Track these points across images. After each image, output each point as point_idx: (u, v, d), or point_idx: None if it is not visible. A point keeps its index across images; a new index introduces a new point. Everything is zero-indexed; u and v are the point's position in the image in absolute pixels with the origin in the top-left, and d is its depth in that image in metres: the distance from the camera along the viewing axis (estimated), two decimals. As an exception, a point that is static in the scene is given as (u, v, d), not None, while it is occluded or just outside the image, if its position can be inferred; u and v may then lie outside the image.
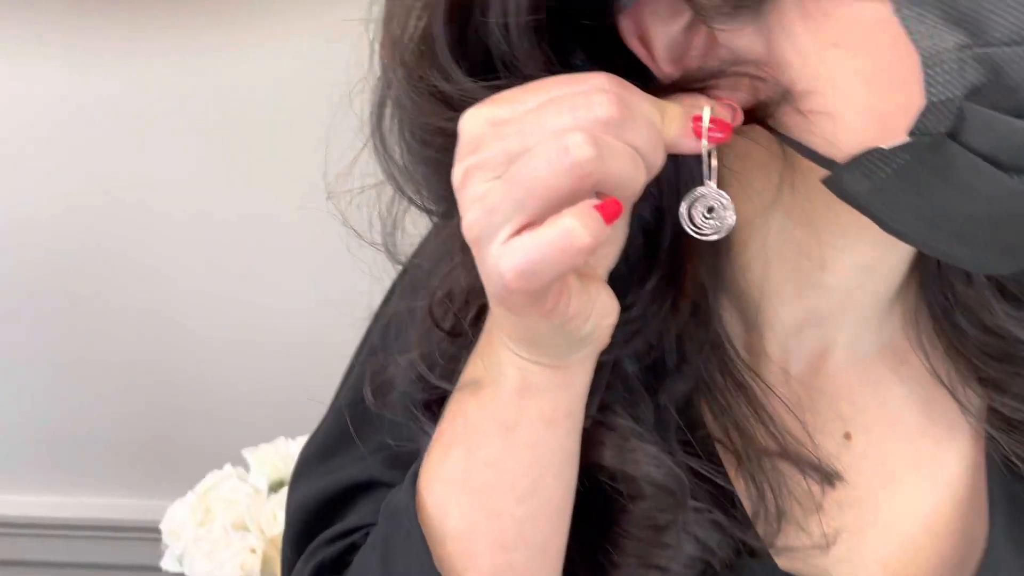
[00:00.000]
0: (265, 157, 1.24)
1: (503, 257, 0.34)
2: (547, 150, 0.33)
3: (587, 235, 0.33)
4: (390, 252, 0.44)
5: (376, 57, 0.40)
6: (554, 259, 0.33)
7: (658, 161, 0.36)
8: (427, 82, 0.38)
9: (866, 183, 0.37)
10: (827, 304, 0.46)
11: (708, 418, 0.45)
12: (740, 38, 0.37)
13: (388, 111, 0.41)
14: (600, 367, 0.43)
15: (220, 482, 0.92)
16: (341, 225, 0.40)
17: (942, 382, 0.48)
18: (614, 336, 0.40)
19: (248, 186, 1.28)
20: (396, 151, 0.41)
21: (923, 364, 0.48)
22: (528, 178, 0.33)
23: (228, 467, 0.94)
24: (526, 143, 0.34)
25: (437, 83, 0.38)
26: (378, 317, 0.53)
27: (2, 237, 1.30)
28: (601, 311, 0.38)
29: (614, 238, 0.40)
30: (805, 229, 0.43)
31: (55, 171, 1.27)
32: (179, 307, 1.32)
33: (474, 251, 0.35)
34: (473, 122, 0.36)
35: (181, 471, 1.01)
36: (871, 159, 0.36)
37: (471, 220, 0.35)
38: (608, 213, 0.34)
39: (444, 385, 0.43)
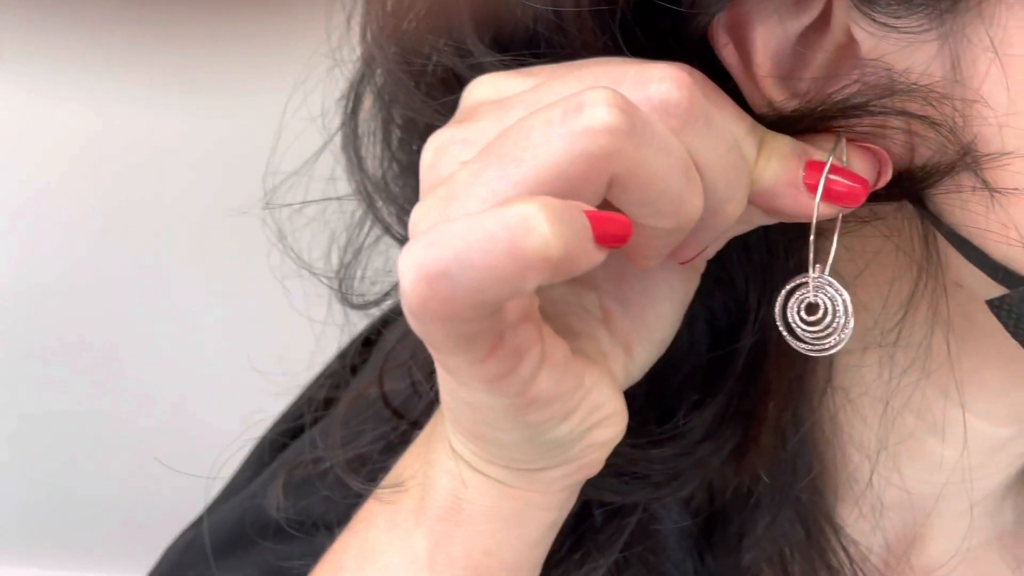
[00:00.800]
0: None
1: (410, 249, 0.21)
2: (550, 111, 0.22)
3: (551, 236, 0.20)
4: (343, 294, 0.32)
5: (353, 32, 0.29)
6: (482, 261, 0.20)
7: (732, 205, 0.24)
8: (433, 62, 0.27)
9: None
10: (929, 482, 0.34)
11: None
12: (906, 51, 0.24)
13: (367, 105, 0.30)
14: (617, 513, 0.31)
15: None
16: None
17: None
18: (649, 474, 0.30)
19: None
20: (372, 158, 0.30)
21: None
22: (511, 151, 0.22)
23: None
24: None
25: (448, 62, 0.27)
26: (315, 386, 0.41)
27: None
28: (594, 413, 0.25)
29: (652, 323, 0.27)
30: (930, 377, 0.31)
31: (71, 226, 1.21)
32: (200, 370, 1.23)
33: None
34: (479, 89, 0.25)
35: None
36: None
37: (420, 212, 0.23)
38: (604, 227, 0.21)
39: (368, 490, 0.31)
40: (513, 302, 0.22)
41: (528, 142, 0.21)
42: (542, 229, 0.20)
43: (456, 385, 0.24)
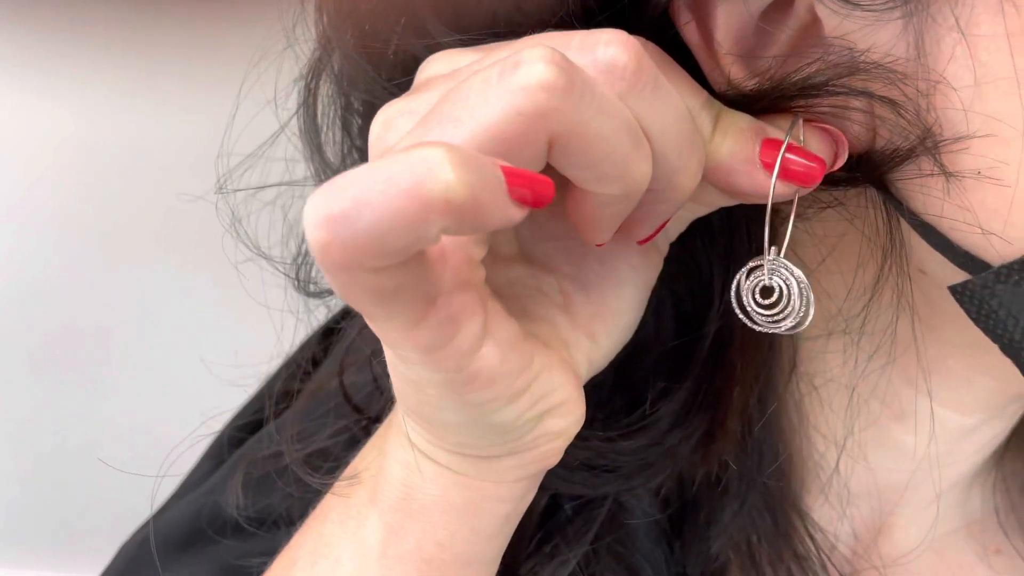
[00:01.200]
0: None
1: (312, 196, 0.20)
2: (488, 71, 0.21)
3: (454, 180, 0.19)
4: (299, 281, 0.31)
5: (308, 13, 0.28)
6: (383, 203, 0.19)
7: (685, 176, 0.24)
8: (392, 45, 0.27)
9: None
10: (897, 470, 0.34)
11: None
12: (870, 29, 0.24)
13: (325, 90, 0.29)
14: (587, 505, 0.31)
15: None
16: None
17: None
18: (619, 466, 0.29)
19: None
20: (331, 144, 0.29)
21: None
22: (450, 112, 0.21)
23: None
24: None
25: (407, 44, 0.26)
26: (275, 379, 0.40)
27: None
28: (544, 399, 0.25)
29: (615, 307, 0.27)
30: (895, 365, 0.31)
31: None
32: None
33: None
34: (433, 66, 0.24)
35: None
36: None
37: None
38: (521, 183, 0.20)
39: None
40: (450, 266, 0.22)
41: (467, 102, 0.21)
42: (445, 172, 0.19)
43: (397, 359, 0.23)
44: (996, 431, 0.34)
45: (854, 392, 0.32)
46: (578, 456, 0.30)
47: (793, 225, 0.26)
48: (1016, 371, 0.26)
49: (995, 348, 0.26)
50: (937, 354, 0.31)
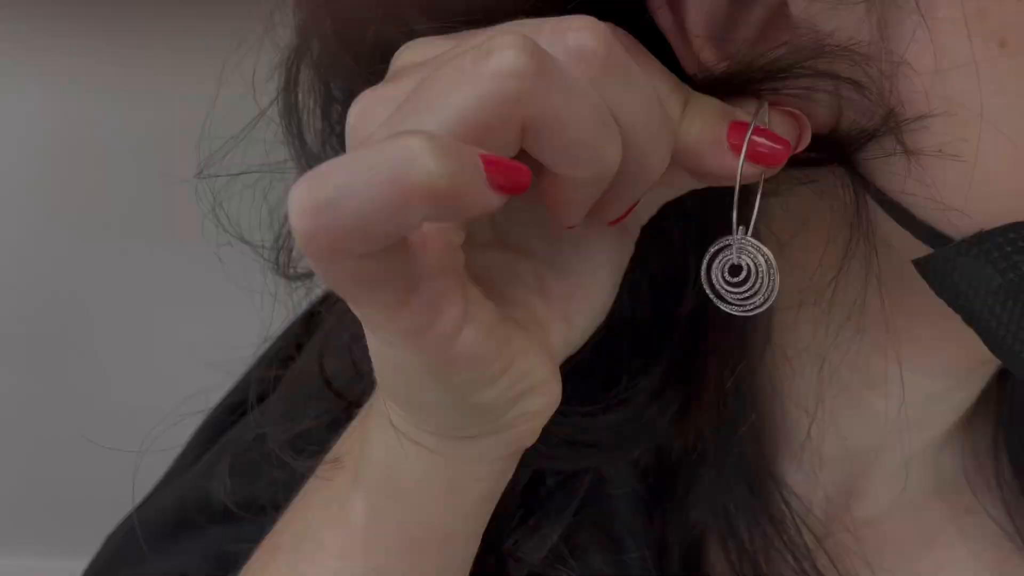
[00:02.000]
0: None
1: (296, 185, 0.20)
2: (460, 59, 0.21)
3: (434, 167, 0.19)
4: (279, 265, 0.31)
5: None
6: (365, 191, 0.19)
7: (654, 159, 0.24)
8: (370, 34, 0.27)
9: (992, 279, 0.25)
10: (868, 435, 0.35)
11: (716, 562, 0.35)
12: (835, 12, 0.24)
13: (304, 77, 0.29)
14: (568, 479, 0.31)
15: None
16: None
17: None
18: (598, 440, 0.29)
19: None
20: (312, 131, 0.29)
21: (993, 518, 0.38)
22: (424, 100, 0.21)
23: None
24: None
25: (385, 33, 0.26)
26: (259, 364, 0.40)
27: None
28: (522, 380, 0.25)
29: (590, 289, 0.27)
30: (865, 334, 0.32)
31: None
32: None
33: None
34: (407, 53, 0.25)
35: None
36: (1013, 243, 0.24)
37: None
38: (499, 169, 0.21)
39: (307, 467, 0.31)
40: (430, 252, 0.22)
41: (440, 90, 0.21)
42: (426, 160, 0.19)
43: (378, 343, 0.24)
44: (964, 395, 0.35)
45: (825, 361, 0.33)
46: (558, 432, 0.31)
47: (761, 202, 0.26)
48: (979, 339, 0.27)
49: (959, 317, 0.27)
50: (905, 323, 0.31)
